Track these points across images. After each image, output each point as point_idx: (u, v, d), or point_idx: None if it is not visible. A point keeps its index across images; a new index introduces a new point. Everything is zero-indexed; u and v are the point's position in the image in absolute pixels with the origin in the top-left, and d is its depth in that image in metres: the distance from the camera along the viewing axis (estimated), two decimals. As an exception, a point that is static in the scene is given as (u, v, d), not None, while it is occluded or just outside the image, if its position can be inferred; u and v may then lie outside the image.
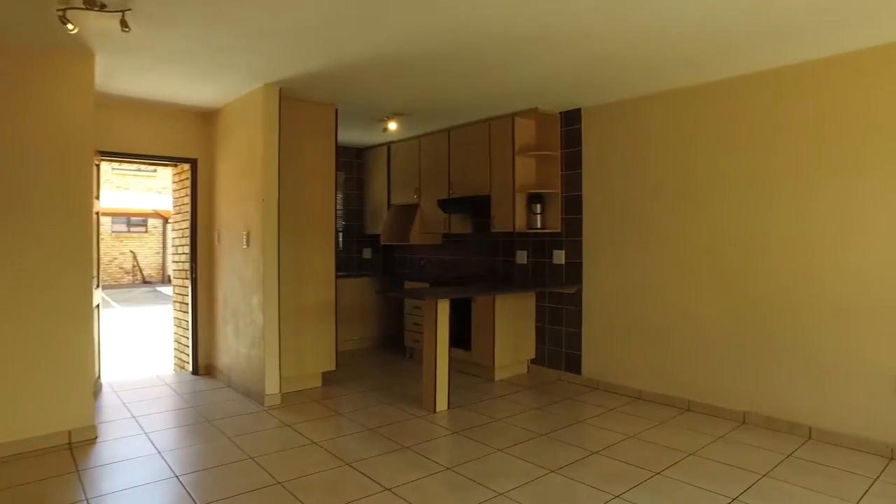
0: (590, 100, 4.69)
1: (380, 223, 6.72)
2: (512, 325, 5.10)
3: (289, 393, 4.49)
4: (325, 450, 3.36)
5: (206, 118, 5.11)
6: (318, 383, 4.76)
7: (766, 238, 3.82)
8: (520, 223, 5.08)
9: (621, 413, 4.12)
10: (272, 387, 4.23)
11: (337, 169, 4.82)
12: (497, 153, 5.21)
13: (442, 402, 4.11)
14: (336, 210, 4.82)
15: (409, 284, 5.86)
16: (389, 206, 6.58)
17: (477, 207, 5.40)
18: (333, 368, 4.77)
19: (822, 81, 3.57)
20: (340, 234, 6.90)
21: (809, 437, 3.61)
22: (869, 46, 3.33)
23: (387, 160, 6.61)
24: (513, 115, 5.08)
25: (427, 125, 5.69)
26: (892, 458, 3.30)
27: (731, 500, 2.73)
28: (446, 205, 5.61)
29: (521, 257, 5.40)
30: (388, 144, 6.60)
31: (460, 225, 5.83)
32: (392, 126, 5.29)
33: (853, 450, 3.41)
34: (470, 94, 4.50)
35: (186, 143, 5.03)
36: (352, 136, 6.21)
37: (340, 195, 6.83)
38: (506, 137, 5.12)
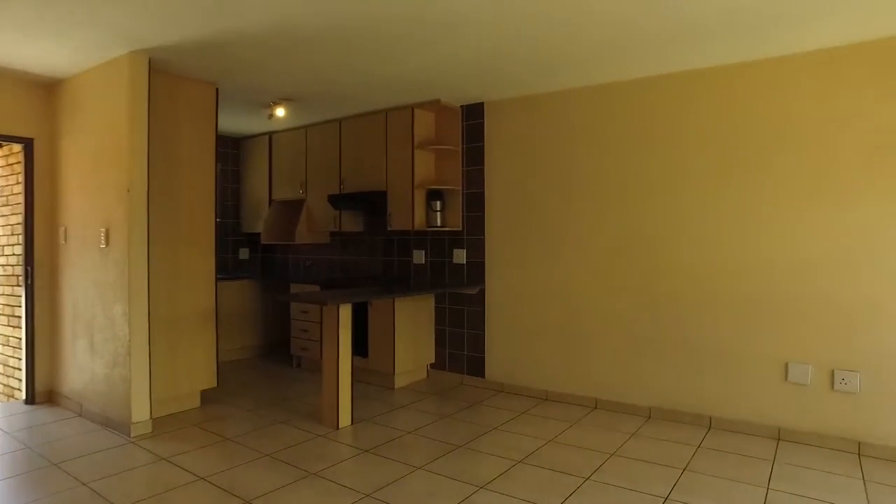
0: (493, 94, 4.56)
1: (259, 220, 6.10)
2: (412, 328, 4.83)
3: (162, 418, 3.82)
4: (217, 486, 2.83)
5: (48, 90, 4.21)
6: (197, 403, 4.12)
7: (675, 237, 3.93)
8: (419, 221, 4.82)
9: (533, 416, 4.02)
10: (141, 412, 3.55)
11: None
12: (394, 147, 4.90)
13: (345, 418, 3.72)
14: (216, 204, 4.21)
15: (295, 288, 5.35)
16: (271, 201, 5.99)
17: (371, 204, 5.04)
18: (214, 385, 4.16)
19: (733, 85, 3.74)
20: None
21: (710, 427, 3.76)
22: (778, 55, 3.53)
23: (268, 151, 6.01)
24: (412, 107, 4.81)
25: (317, 114, 5.23)
26: (779, 439, 3.53)
27: (663, 499, 2.69)
28: (337, 201, 5.20)
29: (419, 257, 5.15)
30: (270, 134, 6.00)
31: (352, 223, 5.44)
32: (280, 112, 4.77)
33: (749, 435, 3.59)
34: (368, 82, 4.15)
35: (17, 119, 4.10)
36: (230, 122, 5.54)
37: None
38: (404, 130, 4.84)
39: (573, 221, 4.33)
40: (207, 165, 4.12)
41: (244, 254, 6.44)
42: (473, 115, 4.84)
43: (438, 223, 4.86)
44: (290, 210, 6.00)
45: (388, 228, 4.92)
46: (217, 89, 4.16)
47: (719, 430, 3.71)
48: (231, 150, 6.30)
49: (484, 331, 4.78)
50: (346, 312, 3.67)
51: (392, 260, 5.36)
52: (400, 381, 4.79)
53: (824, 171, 3.44)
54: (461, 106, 4.89)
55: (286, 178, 5.83)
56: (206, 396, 4.24)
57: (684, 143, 3.88)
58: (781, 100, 3.56)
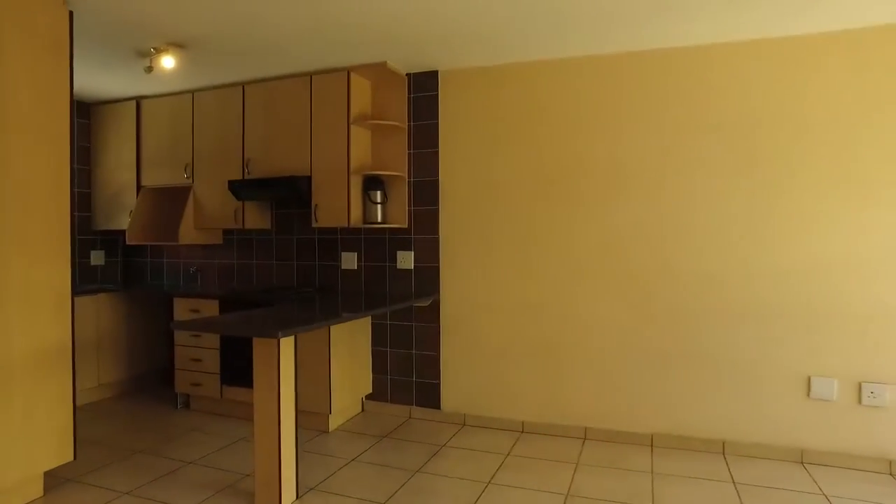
0: (450, 60, 3.69)
1: (120, 214, 4.61)
2: (349, 355, 3.80)
3: (-18, 522, 2.43)
4: None
5: None
6: (39, 491, 2.73)
7: (678, 235, 3.36)
8: (356, 215, 3.80)
9: (521, 459, 3.22)
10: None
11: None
12: (323, 120, 3.83)
13: (289, 494, 2.63)
14: (72, 191, 2.87)
15: (183, 303, 4.03)
16: (140, 189, 4.55)
17: (289, 193, 3.91)
18: (71, 458, 2.80)
19: (748, 64, 3.23)
20: (51, 231, 4.53)
21: (724, 452, 3.25)
22: (799, 34, 3.05)
23: (136, 122, 4.55)
24: (348, 70, 3.77)
25: (212, 73, 3.96)
26: (803, 462, 3.11)
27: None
28: (241, 189, 3.98)
29: (350, 261, 4.12)
30: (139, 99, 4.55)
31: (258, 218, 4.24)
32: (167, 63, 3.45)
33: (771, 460, 3.13)
34: (295, 24, 3.06)
35: None
36: (81, 78, 4.04)
37: (51, 171, 4.48)
38: (337, 99, 3.78)
39: (552, 216, 3.61)
40: (58, 132, 2.77)
41: (98, 258, 4.87)
42: (424, 85, 3.92)
43: (379, 219, 3.87)
44: (170, 201, 4.61)
45: (314, 224, 3.83)
46: (71, 13, 2.81)
47: (736, 455, 3.21)
48: (79, 119, 4.72)
49: (438, 352, 3.89)
50: (289, 346, 2.59)
51: (312, 265, 4.25)
52: (334, 422, 3.74)
53: (848, 163, 3.07)
54: (408, 74, 3.95)
55: (164, 158, 4.43)
56: (56, 478, 2.87)
57: (690, 127, 3.33)
58: (802, 83, 3.13)
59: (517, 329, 3.69)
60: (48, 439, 2.69)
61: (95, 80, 4.12)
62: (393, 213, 3.95)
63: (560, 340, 3.60)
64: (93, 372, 4.23)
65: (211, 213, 4.23)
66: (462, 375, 3.83)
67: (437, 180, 3.88)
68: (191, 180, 4.31)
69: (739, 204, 3.24)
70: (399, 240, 3.98)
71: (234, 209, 4.13)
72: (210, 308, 3.92)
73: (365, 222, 3.87)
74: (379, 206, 3.87)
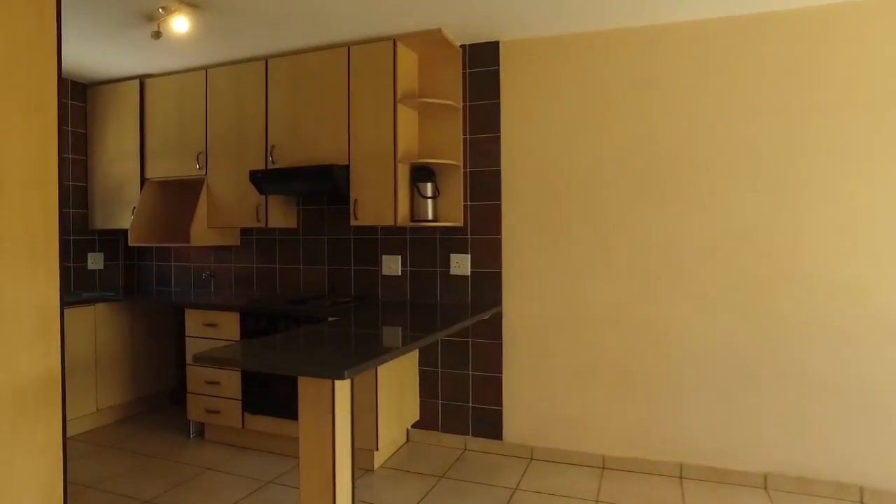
0: (514, 28, 3.08)
1: (122, 211, 4.00)
2: (396, 378, 3.19)
3: None
4: None
5: None
6: (26, 564, 2.13)
7: (798, 234, 2.76)
8: (403, 212, 3.20)
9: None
10: None
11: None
12: (364, 98, 3.22)
13: (347, 569, 2.03)
14: (62, 181, 2.26)
15: (196, 316, 3.42)
16: (144, 182, 3.93)
17: (321, 186, 3.29)
18: (63, 519, 2.20)
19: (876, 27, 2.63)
20: (42, 230, 3.92)
21: (861, 501, 2.66)
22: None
23: (139, 104, 3.93)
24: (394, 39, 3.17)
25: (231, 44, 3.35)
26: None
27: None
28: (266, 181, 3.37)
29: (392, 266, 3.51)
30: (142, 78, 3.93)
31: (283, 215, 3.63)
32: (179, 26, 2.84)
33: (934, 520, 2.54)
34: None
35: None
36: (72, 51, 3.43)
37: (41, 161, 3.87)
38: (381, 74, 3.18)
39: (641, 213, 3.01)
40: (41, 103, 2.16)
41: (96, 261, 4.26)
42: (482, 58, 3.32)
43: (429, 216, 3.27)
44: (179, 196, 4.01)
45: (353, 222, 3.22)
46: (64, -45, 2.20)
47: (885, 510, 2.62)
48: (73, 102, 4.10)
49: (500, 372, 3.29)
50: (344, 391, 1.98)
51: (346, 270, 3.65)
52: (380, 457, 3.14)
53: None
54: (462, 46, 3.34)
55: (172, 146, 3.82)
56: (47, 538, 2.26)
57: (810, 105, 2.73)
58: (972, 42, 2.53)
59: (596, 346, 3.10)
60: (30, 498, 2.08)
61: (92, 54, 3.51)
62: (445, 209, 3.35)
63: (650, 360, 3.00)
64: (90, 396, 3.62)
65: (227, 209, 3.62)
66: (529, 401, 3.24)
67: (499, 170, 3.28)
68: (203, 171, 3.70)
69: (868, 197, 2.65)
70: (452, 241, 3.38)
71: (255, 205, 3.52)
72: (229, 322, 3.32)
73: (412, 220, 3.27)
74: (429, 200, 3.26)
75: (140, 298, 3.75)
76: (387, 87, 3.16)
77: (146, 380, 3.98)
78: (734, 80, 2.85)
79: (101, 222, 4.12)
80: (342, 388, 1.96)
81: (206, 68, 3.69)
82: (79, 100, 4.13)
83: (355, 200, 3.22)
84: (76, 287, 4.11)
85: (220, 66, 3.65)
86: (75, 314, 3.51)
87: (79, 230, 4.14)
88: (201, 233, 3.65)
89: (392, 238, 3.51)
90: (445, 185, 3.34)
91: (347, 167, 3.24)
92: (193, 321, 3.43)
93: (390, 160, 3.14)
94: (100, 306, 3.68)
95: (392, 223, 3.13)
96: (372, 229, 3.56)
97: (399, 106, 3.17)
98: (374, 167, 3.18)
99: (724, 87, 2.87)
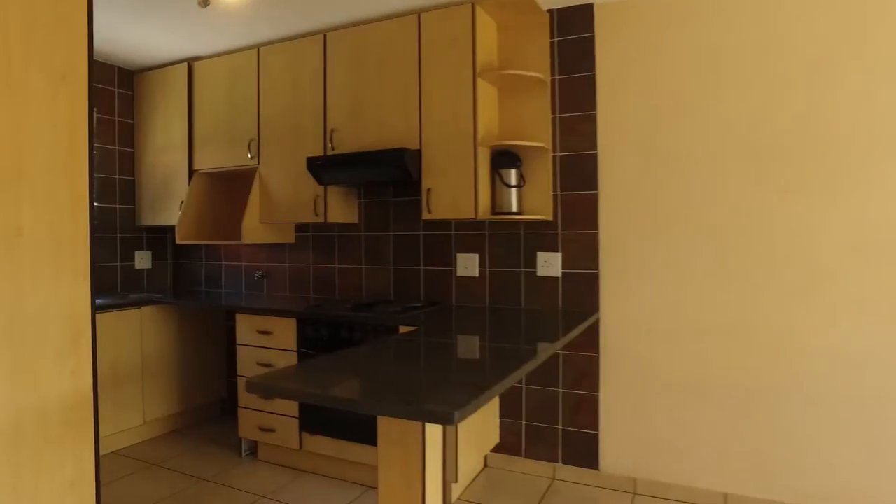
0: (625, -20, 2.59)
1: (169, 206, 3.69)
2: (476, 392, 2.74)
3: None
4: None
5: None
6: None
7: None
8: (484, 203, 2.75)
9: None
10: None
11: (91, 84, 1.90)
12: (437, 72, 2.78)
13: None
14: (91, 175, 1.91)
15: (247, 322, 3.06)
16: (192, 173, 3.61)
17: (389, 173, 2.87)
18: (98, 571, 1.84)
19: None
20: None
21: None
22: None
23: (187, 90, 3.61)
24: (472, 3, 2.72)
25: (286, 21, 2.97)
26: None
27: None
28: (326, 169, 2.97)
29: (469, 265, 3.06)
30: (190, 62, 3.61)
31: (342, 208, 3.24)
32: (231, -14, 2.47)
33: None
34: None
35: None
36: (116, 32, 3.13)
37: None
38: (457, 43, 2.73)
39: (765, 204, 2.47)
40: (73, 77, 1.80)
41: (143, 260, 3.97)
42: (573, 25, 2.84)
43: (513, 207, 2.80)
44: (229, 188, 3.68)
45: (426, 216, 2.79)
46: None
47: None
48: (121, 90, 3.82)
49: (597, 391, 2.80)
50: (436, 435, 1.55)
51: (414, 271, 3.22)
52: (457, 489, 2.70)
53: None
54: (549, 10, 2.87)
55: (221, 133, 3.48)
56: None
57: None
58: None
59: (715, 362, 2.57)
60: (61, 549, 1.73)
61: (136, 36, 3.19)
62: (531, 199, 2.88)
63: (785, 380, 2.46)
64: (136, 407, 3.31)
65: (282, 202, 3.25)
66: (631, 425, 2.74)
67: (596, 154, 2.79)
68: (255, 161, 3.34)
69: None
70: (540, 237, 2.91)
71: (312, 197, 3.14)
72: (285, 329, 2.94)
73: (493, 212, 2.81)
74: (513, 189, 2.80)
75: (188, 301, 3.43)
76: (464, 60, 2.72)
77: (195, 389, 3.66)
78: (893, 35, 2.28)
79: (147, 218, 3.83)
80: (434, 437, 1.52)
81: (257, 47, 3.33)
82: (126, 87, 3.85)
83: (428, 190, 2.78)
84: (123, 288, 3.82)
85: (274, 44, 3.28)
86: (120, 318, 3.21)
87: (126, 227, 3.86)
88: (253, 229, 3.29)
89: (468, 234, 3.07)
90: (531, 172, 2.87)
91: (419, 151, 2.81)
92: (245, 327, 3.07)
93: (469, 143, 2.69)
94: (145, 309, 3.37)
95: (472, 216, 2.69)
96: (444, 224, 3.12)
97: (478, 80, 2.71)
98: (449, 151, 2.74)
99: (879, 45, 2.30)
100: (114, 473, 2.94)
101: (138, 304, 3.33)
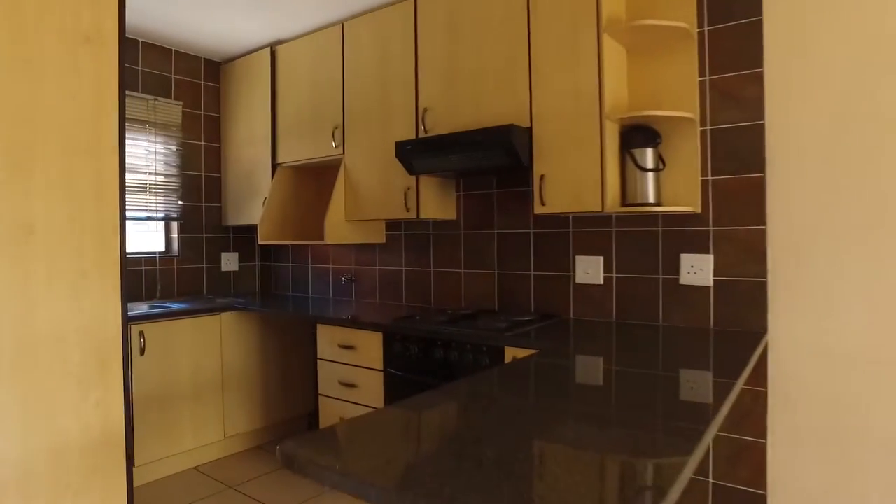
0: None
1: (254, 204, 3.42)
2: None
3: None
4: None
5: None
6: None
7: None
8: (613, 193, 2.16)
9: None
10: None
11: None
12: (549, 31, 2.24)
13: None
14: (123, 153, 1.58)
15: (329, 333, 2.68)
16: (275, 168, 3.32)
17: (491, 157, 2.35)
18: None
19: None
20: (176, 225, 3.48)
21: None
22: None
23: (270, 76, 3.33)
24: (597, -63, 2.15)
25: (370, -20, 2.57)
26: None
27: None
28: (417, 153, 2.51)
29: (590, 270, 2.48)
30: (273, 46, 3.32)
31: (437, 201, 2.77)
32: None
33: None
34: None
35: None
36: (201, 22, 2.87)
37: (175, 147, 3.41)
38: (578, -9, 2.18)
39: None
40: (100, 40, 1.46)
41: (229, 262, 3.75)
42: (734, -47, 2.18)
43: (650, 197, 2.20)
44: (315, 182, 3.36)
45: (539, 209, 2.26)
46: None
47: None
48: (207, 83, 3.62)
49: (764, 437, 2.13)
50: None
51: (523, 277, 2.69)
52: (578, 554, 2.14)
53: None
54: (698, -62, 2.23)
55: (304, 121, 3.15)
56: None
57: None
58: None
59: (955, 412, 1.82)
60: None
61: (218, 18, 2.91)
62: (672, 186, 2.26)
63: None
64: (216, 420, 3.05)
65: (369, 197, 2.84)
66: (813, 485, 2.04)
67: (762, 125, 2.12)
68: (340, 150, 2.96)
69: None
70: (684, 234, 2.27)
71: (402, 189, 2.70)
72: (369, 344, 2.52)
73: (624, 204, 2.22)
74: (650, 175, 2.19)
75: (266, 307, 3.12)
76: (585, 12, 2.15)
77: (280, 403, 3.37)
78: None
79: (232, 217, 3.60)
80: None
81: (341, 22, 2.96)
82: (212, 80, 3.64)
83: (541, 177, 2.25)
84: (209, 291, 3.62)
85: (358, 16, 2.89)
86: (198, 325, 2.95)
87: (212, 227, 3.65)
88: (337, 228, 2.91)
89: (590, 231, 2.49)
90: (673, 152, 2.25)
91: (529, 130, 2.28)
92: (326, 340, 2.69)
93: (593, 117, 2.13)
94: (225, 315, 3.10)
95: (597, 209, 2.12)
96: (559, 220, 2.57)
97: (603, 37, 2.14)
98: (568, 128, 2.19)
99: None
100: (191, 493, 2.68)
101: (217, 310, 3.07)
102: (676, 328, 2.22)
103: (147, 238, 3.44)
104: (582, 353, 1.81)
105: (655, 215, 2.32)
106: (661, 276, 2.32)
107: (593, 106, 2.12)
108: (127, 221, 3.45)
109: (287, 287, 3.74)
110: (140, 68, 3.26)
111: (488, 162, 2.33)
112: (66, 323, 1.39)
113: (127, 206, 3.02)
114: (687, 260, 2.25)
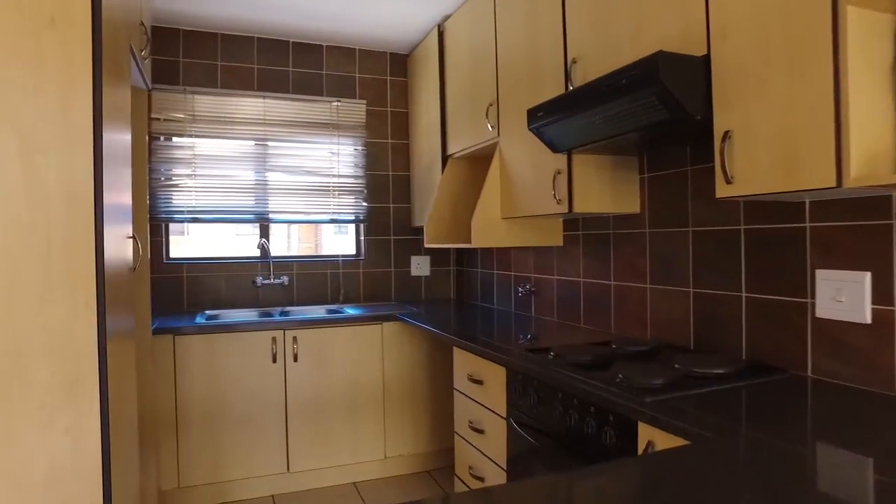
0: None
1: (431, 200, 3.09)
2: None
3: None
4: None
5: None
6: None
7: None
8: (869, 154, 1.12)
9: None
10: None
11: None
12: None
13: None
14: (99, 148, 1.32)
15: (462, 361, 2.14)
16: (445, 160, 2.93)
17: (636, 115, 1.46)
18: None
19: None
20: (362, 227, 3.39)
21: None
22: None
23: (438, 57, 2.96)
24: None
25: None
26: None
27: None
28: (548, 120, 1.76)
29: (839, 294, 1.39)
30: (441, 25, 2.95)
31: (601, 188, 1.98)
32: None
33: None
34: None
35: None
36: (380, 14, 2.69)
37: (360, 148, 3.33)
38: None
39: None
40: (68, 21, 1.25)
41: (420, 267, 3.51)
42: None
43: (967, 155, 1.08)
44: (478, 173, 2.86)
45: (723, 192, 1.34)
46: None
47: None
48: (393, 78, 3.45)
49: None
50: None
51: (731, 298, 1.71)
52: None
53: None
54: None
55: (465, 104, 2.69)
56: None
57: None
58: None
59: None
60: None
61: (389, 3, 2.67)
62: None
63: None
64: (377, 438, 2.81)
65: (521, 186, 2.22)
66: None
67: None
68: (496, 132, 2.40)
69: None
70: None
71: (551, 174, 2.00)
72: (493, 381, 1.91)
73: (901, 172, 1.15)
74: (965, 108, 1.07)
75: (419, 320, 2.73)
76: None
77: (445, 427, 2.96)
78: None
79: (419, 218, 3.34)
80: None
81: (496, -24, 2.39)
82: (399, 74, 3.45)
83: (726, 134, 1.33)
84: (397, 297, 3.43)
85: (512, -42, 2.28)
86: (357, 333, 2.76)
87: (401, 228, 3.46)
88: (490, 227, 2.36)
89: (843, 227, 1.42)
90: None
91: (705, 60, 1.38)
92: (461, 367, 2.17)
93: (818, 5, 1.13)
94: (388, 325, 2.83)
95: (830, 184, 1.12)
96: (788, 209, 1.54)
97: None
98: (771, 39, 1.23)
99: None
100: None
101: (379, 319, 2.82)
102: None
103: (338, 241, 3.42)
104: (795, 459, 0.91)
105: None
106: None
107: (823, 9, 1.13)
108: (313, 225, 3.48)
109: (475, 296, 3.32)
110: (324, 72, 3.25)
111: (636, 120, 1.49)
112: (28, 340, 1.22)
113: (308, 209, 3.05)
114: None
